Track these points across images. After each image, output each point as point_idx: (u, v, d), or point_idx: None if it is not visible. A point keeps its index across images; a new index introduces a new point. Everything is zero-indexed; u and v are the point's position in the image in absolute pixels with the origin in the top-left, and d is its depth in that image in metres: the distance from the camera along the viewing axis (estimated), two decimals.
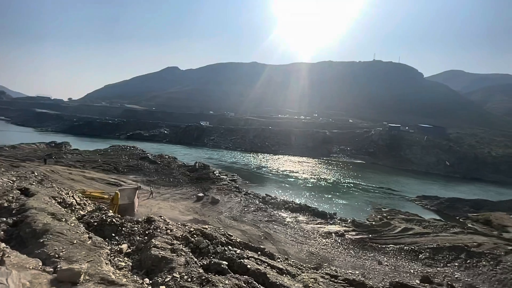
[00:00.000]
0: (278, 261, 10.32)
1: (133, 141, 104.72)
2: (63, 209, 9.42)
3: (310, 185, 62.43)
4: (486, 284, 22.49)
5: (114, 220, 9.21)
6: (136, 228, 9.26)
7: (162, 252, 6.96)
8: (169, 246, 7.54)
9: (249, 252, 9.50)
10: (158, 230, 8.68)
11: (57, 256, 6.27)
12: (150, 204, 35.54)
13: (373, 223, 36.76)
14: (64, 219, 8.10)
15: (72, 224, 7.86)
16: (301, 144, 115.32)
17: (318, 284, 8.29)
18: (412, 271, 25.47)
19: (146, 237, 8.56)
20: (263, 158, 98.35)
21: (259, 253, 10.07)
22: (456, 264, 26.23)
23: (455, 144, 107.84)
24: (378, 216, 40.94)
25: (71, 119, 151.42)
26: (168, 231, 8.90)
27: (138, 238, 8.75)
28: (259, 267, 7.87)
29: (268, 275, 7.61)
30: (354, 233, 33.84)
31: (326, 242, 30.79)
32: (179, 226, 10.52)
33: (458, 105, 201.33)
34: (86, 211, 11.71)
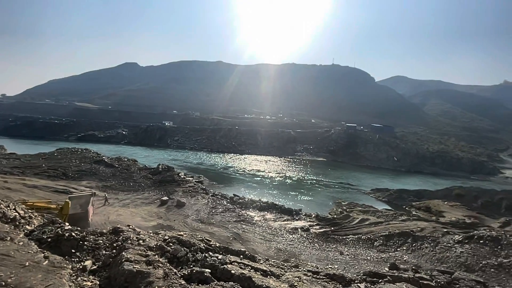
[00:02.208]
0: (261, 263, 10.39)
1: (85, 143, 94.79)
2: (5, 225, 8.05)
3: (276, 184, 64.22)
4: (428, 263, 25.87)
5: (73, 233, 8.16)
6: (101, 241, 8.37)
7: (136, 266, 6.38)
8: (144, 258, 6.96)
9: (231, 256, 9.38)
10: (129, 241, 7.96)
11: (3, 284, 5.34)
12: (107, 212, 32.82)
13: (335, 216, 39.41)
14: (9, 238, 6.92)
15: (21, 243, 6.76)
16: (267, 143, 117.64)
17: (303, 282, 8.60)
18: (369, 258, 28.03)
19: (114, 251, 7.77)
20: (230, 158, 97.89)
21: (241, 256, 10.04)
22: (404, 248, 29.66)
23: (401, 141, 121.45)
24: (339, 210, 44.08)
25: (5, 118, 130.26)
26: (140, 241, 8.21)
27: (104, 252, 7.91)
28: (243, 271, 7.86)
29: (253, 279, 7.68)
30: (318, 227, 35.90)
31: (293, 237, 32.11)
32: (152, 235, 9.84)
33: (402, 107, 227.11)
34: (34, 226, 10.16)
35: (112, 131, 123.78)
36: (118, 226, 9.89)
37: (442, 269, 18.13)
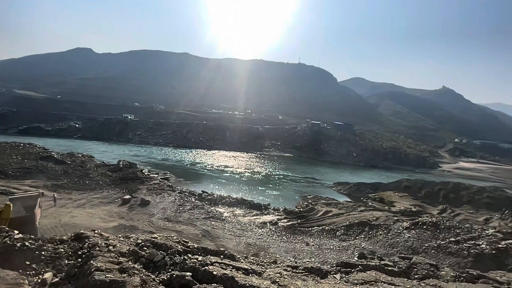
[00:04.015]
0: (242, 262, 10.37)
1: (29, 137, 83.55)
2: None
3: (245, 179, 64.70)
4: (382, 249, 28.80)
5: (27, 243, 7.07)
6: (62, 250, 7.40)
7: (109, 275, 5.77)
8: (116, 266, 6.34)
9: (212, 257, 9.14)
10: (97, 248, 7.15)
11: None
12: (59, 214, 29.76)
13: (301, 209, 41.31)
14: None
15: None
16: (235, 139, 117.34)
17: (284, 277, 8.83)
18: (332, 247, 30.10)
19: (80, 259, 6.94)
20: (198, 154, 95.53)
21: (221, 256, 9.86)
22: (362, 236, 32.50)
23: (359, 138, 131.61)
24: (305, 203, 46.25)
25: None
26: (110, 247, 7.44)
27: (67, 262, 7.01)
28: (225, 272, 7.79)
29: (236, 278, 7.65)
30: (285, 220, 37.31)
31: (262, 232, 32.90)
32: (123, 239, 9.08)
33: (361, 107, 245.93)
34: None
35: (62, 124, 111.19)
36: (82, 231, 8.95)
37: (398, 254, 20.44)
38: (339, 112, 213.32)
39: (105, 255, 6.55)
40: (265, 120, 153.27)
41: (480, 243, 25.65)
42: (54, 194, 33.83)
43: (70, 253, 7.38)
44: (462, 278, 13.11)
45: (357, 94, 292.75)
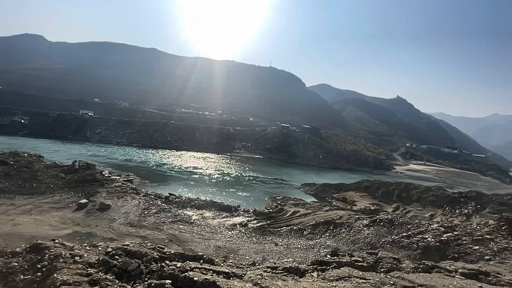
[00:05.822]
0: (221, 265, 10.17)
1: None
2: None
3: (215, 181, 63.74)
4: (345, 246, 30.71)
5: None
6: (16, 263, 6.37)
7: None
8: (85, 278, 5.67)
9: (191, 262, 8.78)
10: (60, 260, 6.29)
11: None
12: None
13: (270, 210, 42.12)
14: None
15: None
16: (205, 140, 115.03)
17: (265, 279, 8.87)
18: (299, 246, 31.19)
19: (39, 273, 6.07)
20: (165, 154, 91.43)
21: (201, 261, 9.54)
22: (327, 234, 34.26)
23: (325, 141, 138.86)
24: (274, 204, 47.24)
25: None
26: (76, 258, 6.61)
27: (22, 277, 6.07)
28: (206, 277, 7.49)
29: (218, 283, 7.48)
30: (255, 221, 37.64)
31: (232, 234, 32.73)
32: (89, 248, 8.23)
33: (327, 112, 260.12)
34: None
35: (4, 119, 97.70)
36: (39, 241, 7.92)
37: (360, 250, 21.99)
38: (307, 116, 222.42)
39: (71, 266, 5.85)
40: (236, 121, 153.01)
41: (427, 236, 28.88)
42: None
43: (26, 267, 6.44)
44: (420, 269, 14.78)
45: (324, 99, 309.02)
